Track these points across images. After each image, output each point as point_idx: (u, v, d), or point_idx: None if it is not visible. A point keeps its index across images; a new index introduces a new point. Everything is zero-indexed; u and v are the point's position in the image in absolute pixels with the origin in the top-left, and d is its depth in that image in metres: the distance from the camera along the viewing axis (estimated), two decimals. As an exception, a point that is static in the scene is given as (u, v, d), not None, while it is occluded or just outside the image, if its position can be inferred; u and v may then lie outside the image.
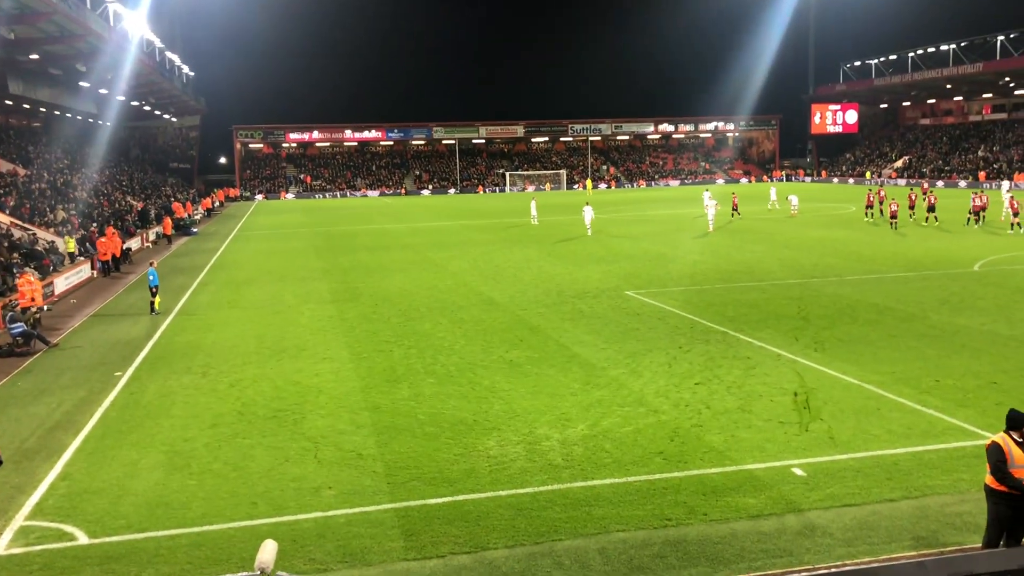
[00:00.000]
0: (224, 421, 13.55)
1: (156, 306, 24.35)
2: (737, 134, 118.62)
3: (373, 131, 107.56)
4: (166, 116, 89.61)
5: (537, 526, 9.47)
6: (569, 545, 8.99)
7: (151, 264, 26.39)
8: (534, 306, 23.16)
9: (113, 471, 11.61)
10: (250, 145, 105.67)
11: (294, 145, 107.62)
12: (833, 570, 7.48)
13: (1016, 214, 39.46)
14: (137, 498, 10.60)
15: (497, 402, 14.24)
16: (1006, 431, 8.04)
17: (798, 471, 10.84)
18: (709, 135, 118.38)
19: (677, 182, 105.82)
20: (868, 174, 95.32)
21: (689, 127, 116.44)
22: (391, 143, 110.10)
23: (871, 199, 48.12)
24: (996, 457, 7.93)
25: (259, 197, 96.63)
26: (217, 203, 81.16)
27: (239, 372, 16.90)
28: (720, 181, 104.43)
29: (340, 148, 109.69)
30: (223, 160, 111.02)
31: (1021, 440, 7.94)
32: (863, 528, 9.27)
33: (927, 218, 43.10)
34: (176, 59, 72.27)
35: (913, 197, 46.88)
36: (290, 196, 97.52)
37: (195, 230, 54.81)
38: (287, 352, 18.60)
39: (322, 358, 17.90)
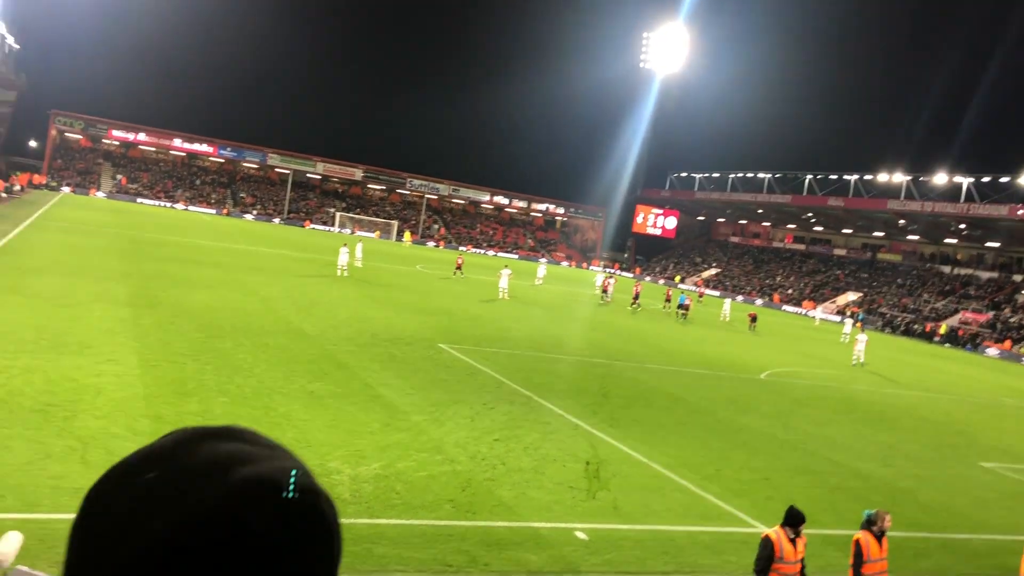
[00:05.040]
0: (-19, 406, 12.19)
1: None
2: (565, 219, 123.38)
3: (205, 144, 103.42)
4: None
5: (313, 557, 9.02)
6: (344, 580, 8.61)
7: None
8: (345, 343, 22.63)
9: None
10: (67, 134, 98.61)
11: (116, 143, 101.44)
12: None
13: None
14: None
15: (291, 430, 13.65)
16: (782, 526, 8.50)
17: (581, 535, 11.00)
18: (539, 215, 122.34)
19: (516, 255, 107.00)
20: (678, 278, 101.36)
21: (522, 203, 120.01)
22: (222, 160, 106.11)
23: (669, 295, 57.35)
24: (764, 552, 8.36)
25: (66, 189, 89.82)
26: (17, 187, 74.68)
27: (9, 360, 15.32)
28: (543, 260, 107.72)
29: (166, 155, 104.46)
30: (33, 143, 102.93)
31: (793, 537, 8.42)
32: (635, 595, 9.48)
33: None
34: None
35: (688, 301, 51.50)
36: (101, 194, 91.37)
37: (-15, 209, 50.06)
38: (68, 347, 17.09)
39: (107, 359, 16.56)
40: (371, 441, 13.73)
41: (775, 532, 8.46)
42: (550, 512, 11.67)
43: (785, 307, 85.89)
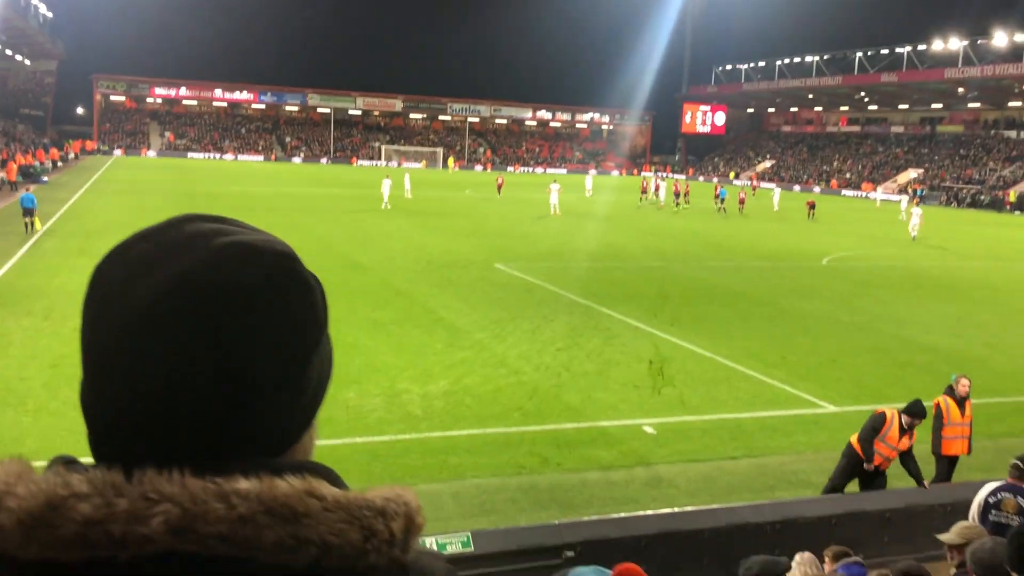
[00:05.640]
0: (66, 362, 12.78)
1: (36, 225, 27.42)
2: (612, 127, 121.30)
3: (245, 92, 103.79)
4: (18, 57, 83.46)
5: (392, 471, 9.42)
6: (423, 489, 8.97)
7: (26, 189, 29.39)
8: (402, 272, 22.97)
9: (-65, 408, 10.78)
10: (111, 97, 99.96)
11: (159, 101, 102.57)
12: (676, 510, 7.79)
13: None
14: (-38, 434, 9.89)
15: (359, 357, 14.04)
16: (900, 412, 8.58)
17: (649, 429, 11.22)
18: (585, 126, 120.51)
19: (564, 170, 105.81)
20: (732, 174, 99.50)
21: (566, 116, 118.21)
22: (263, 106, 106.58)
23: (645, 186, 57.66)
24: (873, 424, 8.49)
25: (118, 152, 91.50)
26: (72, 154, 76.37)
27: (85, 318, 15.97)
28: (591, 172, 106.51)
29: (208, 108, 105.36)
30: (81, 111, 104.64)
31: (908, 427, 8.49)
32: (706, 481, 9.70)
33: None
34: (32, -5, 67.53)
35: (743, 195, 51.44)
36: (152, 153, 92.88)
37: (45, 179, 51.39)
38: (139, 301, 17.71)
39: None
40: (436, 361, 14.07)
41: (891, 411, 8.55)
42: (617, 411, 11.90)
43: (844, 192, 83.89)
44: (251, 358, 0.83)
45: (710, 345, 16.07)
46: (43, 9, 74.64)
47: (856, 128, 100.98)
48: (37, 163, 55.77)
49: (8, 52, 77.93)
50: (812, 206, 49.01)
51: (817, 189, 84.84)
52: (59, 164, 65.68)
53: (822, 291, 23.26)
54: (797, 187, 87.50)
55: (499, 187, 55.52)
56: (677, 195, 51.91)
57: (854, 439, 8.65)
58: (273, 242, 0.90)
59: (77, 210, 35.19)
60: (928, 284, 25.46)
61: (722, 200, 50.24)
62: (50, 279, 19.75)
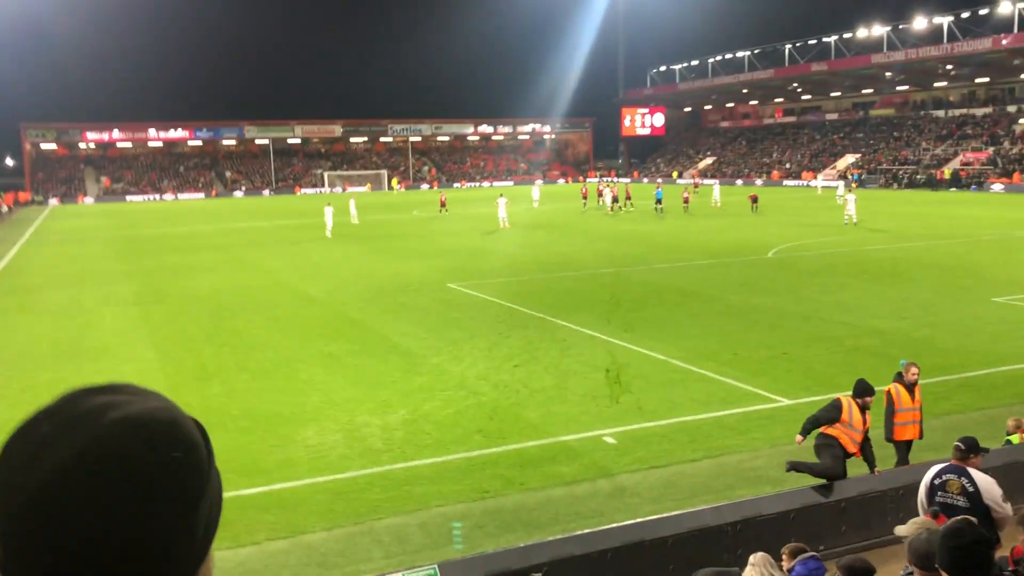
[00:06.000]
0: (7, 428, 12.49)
1: None
2: (553, 136, 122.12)
3: (180, 130, 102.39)
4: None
5: (356, 508, 9.39)
6: (389, 523, 8.98)
7: None
8: (354, 301, 22.87)
9: None
10: (42, 145, 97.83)
11: (92, 146, 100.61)
12: (639, 521, 7.87)
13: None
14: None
15: (315, 394, 13.96)
16: (852, 397, 8.82)
17: (609, 439, 11.32)
18: (527, 137, 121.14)
19: (511, 182, 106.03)
20: (675, 173, 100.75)
21: (508, 129, 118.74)
22: (200, 143, 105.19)
23: (585, 192, 58.73)
24: (829, 413, 8.72)
25: (53, 201, 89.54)
26: (4, 208, 74.60)
27: (32, 377, 15.64)
28: (537, 182, 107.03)
29: (144, 149, 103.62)
30: (10, 162, 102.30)
31: (862, 407, 8.71)
32: (668, 486, 9.83)
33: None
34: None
35: (686, 194, 53.16)
36: (89, 200, 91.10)
37: (-21, 236, 50.14)
38: (86, 355, 17.40)
39: (125, 359, 16.88)
40: (395, 390, 14.03)
41: (846, 398, 8.74)
42: (577, 424, 11.99)
43: (786, 182, 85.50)
44: (143, 521, 0.94)
45: (663, 348, 16.27)
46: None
47: (792, 119, 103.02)
48: (-29, 219, 54.34)
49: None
50: (755, 199, 49.92)
51: (759, 182, 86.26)
52: (-6, 218, 64.11)
53: (770, 284, 23.68)
54: (740, 181, 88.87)
55: (442, 204, 55.97)
56: (615, 200, 52.45)
57: (832, 431, 8.70)
58: (155, 410, 1.01)
59: (15, 265, 34.40)
60: (872, 268, 26.05)
61: (659, 201, 50.82)
62: (-8, 340, 19.28)
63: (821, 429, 8.74)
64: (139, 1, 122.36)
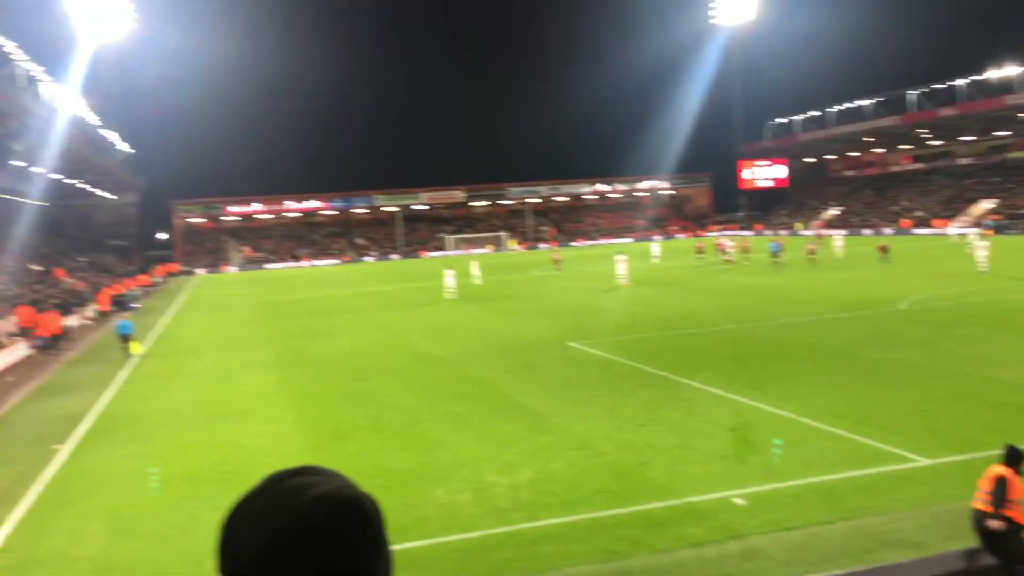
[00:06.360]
0: (170, 485, 13.42)
1: (131, 350, 28.91)
2: (672, 192, 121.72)
3: (315, 201, 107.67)
4: (104, 194, 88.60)
5: (487, 567, 9.61)
6: (519, 582, 9.15)
7: (123, 316, 32.63)
8: (479, 360, 23.39)
9: (56, 540, 11.42)
10: (189, 220, 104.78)
11: (235, 218, 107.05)
12: (771, 584, 7.77)
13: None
14: (82, 564, 10.48)
15: (444, 453, 14.37)
16: (1006, 465, 8.04)
17: (738, 500, 11.17)
18: (644, 193, 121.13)
19: (630, 239, 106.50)
20: (799, 225, 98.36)
21: (624, 186, 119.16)
22: (333, 212, 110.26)
23: (701, 247, 59.04)
24: (1001, 489, 7.86)
25: (200, 271, 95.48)
26: (158, 279, 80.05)
27: (183, 438, 16.74)
28: (656, 238, 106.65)
29: (281, 219, 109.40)
30: (163, 236, 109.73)
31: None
32: (801, 549, 9.61)
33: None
34: (113, 136, 71.91)
35: (811, 245, 52.52)
36: (232, 269, 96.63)
37: (135, 305, 53.94)
38: (231, 416, 18.49)
39: (267, 420, 17.83)
40: (520, 449, 14.29)
41: (1005, 470, 7.97)
42: (704, 484, 11.89)
43: (917, 231, 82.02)
44: None
45: (792, 406, 15.93)
46: (124, 147, 79.34)
47: (921, 165, 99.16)
48: (126, 291, 58.59)
49: (94, 190, 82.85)
50: (884, 249, 48.24)
51: (888, 231, 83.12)
52: (147, 289, 68.92)
53: (903, 337, 22.80)
54: (868, 231, 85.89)
55: (556, 262, 57.26)
56: (740, 250, 52.31)
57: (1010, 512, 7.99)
58: (341, 488, 1.38)
59: (167, 332, 36.83)
60: (1016, 319, 24.72)
61: (774, 254, 49.89)
62: (147, 404, 20.74)
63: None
64: (275, 87, 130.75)
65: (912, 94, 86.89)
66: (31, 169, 54.16)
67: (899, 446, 13.11)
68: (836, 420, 14.81)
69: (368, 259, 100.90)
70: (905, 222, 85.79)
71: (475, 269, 52.09)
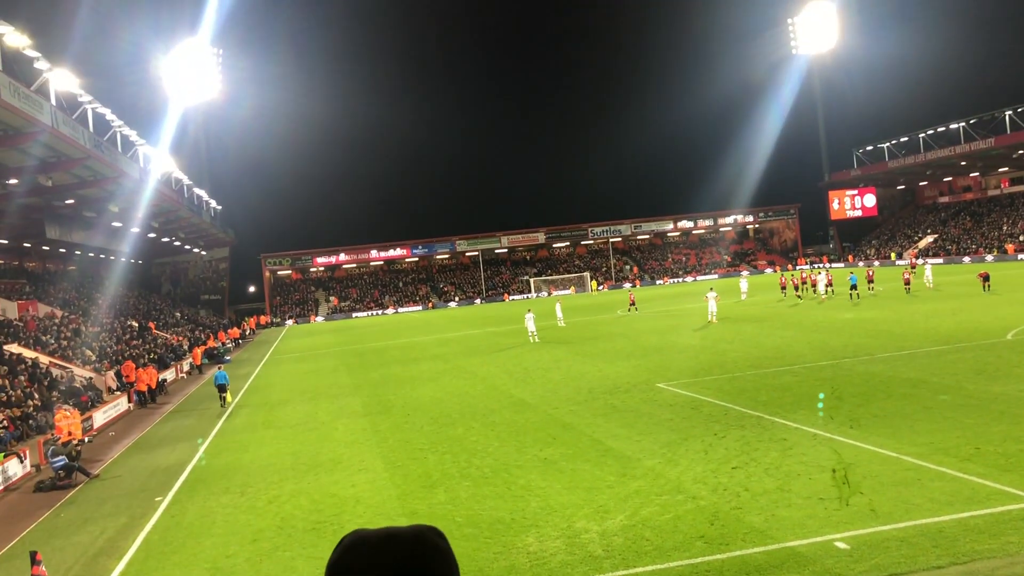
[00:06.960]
0: (264, 536, 13.63)
1: (228, 399, 30.63)
2: (757, 225, 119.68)
3: (398, 249, 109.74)
4: (196, 250, 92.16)
5: (581, 616, 9.39)
6: (614, 633, 8.90)
7: (218, 367, 34.67)
8: (566, 404, 23.20)
9: (157, 591, 11.68)
10: (278, 272, 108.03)
11: (321, 268, 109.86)
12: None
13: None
14: (181, 615, 10.65)
15: (534, 499, 14.22)
16: None
17: (841, 544, 10.69)
18: (729, 228, 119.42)
19: (716, 275, 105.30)
20: (893, 255, 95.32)
21: (708, 222, 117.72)
22: (416, 259, 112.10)
23: (784, 282, 57.54)
24: None
25: (289, 322, 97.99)
26: (248, 331, 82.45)
27: (277, 488, 17.03)
28: (744, 273, 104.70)
29: (366, 268, 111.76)
30: (252, 288, 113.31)
31: None
32: (912, 597, 9.10)
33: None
34: (204, 194, 74.89)
35: (907, 275, 50.55)
36: (320, 319, 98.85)
37: (227, 358, 55.60)
38: (323, 466, 18.73)
39: (357, 469, 18.00)
40: (611, 495, 14.02)
41: None
42: (804, 528, 11.43)
43: (1021, 256, 78.44)
44: None
45: (894, 444, 15.25)
46: (214, 204, 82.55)
47: (1021, 188, 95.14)
48: (219, 344, 60.48)
49: (187, 247, 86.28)
50: (986, 277, 46.18)
51: (990, 257, 79.81)
52: (239, 342, 71.03)
53: (1012, 369, 21.68)
54: (967, 258, 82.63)
55: (632, 303, 57.22)
56: (826, 284, 51.11)
57: None
58: (425, 530, 1.65)
59: (259, 384, 37.76)
60: None
61: (854, 287, 48.51)
62: (241, 455, 21.21)
63: None
64: (356, 138, 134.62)
65: (1007, 113, 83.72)
66: (127, 228, 56.74)
67: (1013, 485, 12.38)
68: (941, 457, 14.11)
69: (452, 304, 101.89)
70: (1009, 247, 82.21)
71: (559, 311, 52.02)
